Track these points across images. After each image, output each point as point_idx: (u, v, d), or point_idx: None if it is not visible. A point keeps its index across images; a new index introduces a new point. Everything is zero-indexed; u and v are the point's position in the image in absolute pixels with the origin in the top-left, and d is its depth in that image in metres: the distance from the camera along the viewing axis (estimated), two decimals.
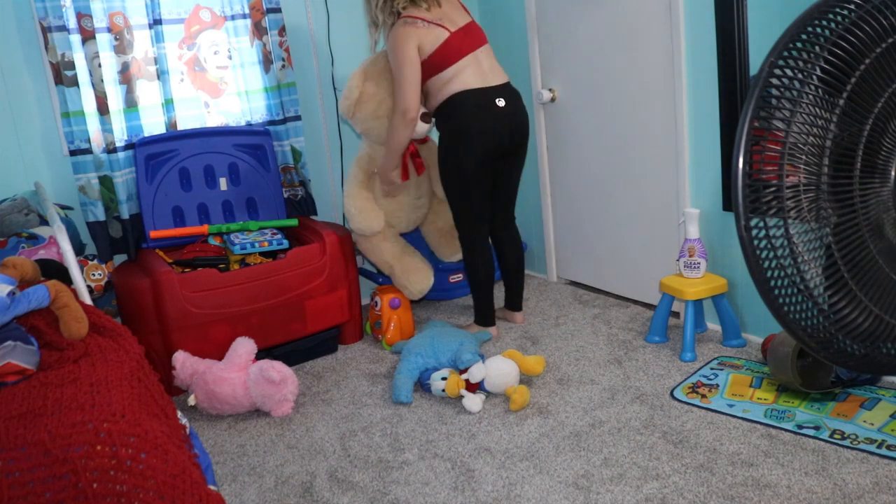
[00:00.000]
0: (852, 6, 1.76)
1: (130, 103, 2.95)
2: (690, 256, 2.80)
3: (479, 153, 2.83)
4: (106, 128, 2.87)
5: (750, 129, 1.85)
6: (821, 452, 2.07)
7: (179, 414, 1.88)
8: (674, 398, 2.46)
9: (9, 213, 2.54)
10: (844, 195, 1.81)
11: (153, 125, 3.06)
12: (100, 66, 2.83)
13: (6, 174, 2.82)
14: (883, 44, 1.73)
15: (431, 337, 2.81)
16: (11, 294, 1.89)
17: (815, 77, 1.80)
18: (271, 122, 3.27)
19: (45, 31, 2.71)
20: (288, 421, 2.58)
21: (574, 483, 2.06)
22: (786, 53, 1.81)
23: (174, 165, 3.00)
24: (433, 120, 2.98)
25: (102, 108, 2.86)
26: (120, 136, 2.95)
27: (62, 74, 2.75)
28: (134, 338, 2.01)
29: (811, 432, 2.16)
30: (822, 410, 2.28)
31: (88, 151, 2.85)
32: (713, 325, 2.98)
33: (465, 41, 2.85)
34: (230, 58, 3.21)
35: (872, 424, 2.17)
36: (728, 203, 2.78)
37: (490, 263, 3.04)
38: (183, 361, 2.63)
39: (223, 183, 3.11)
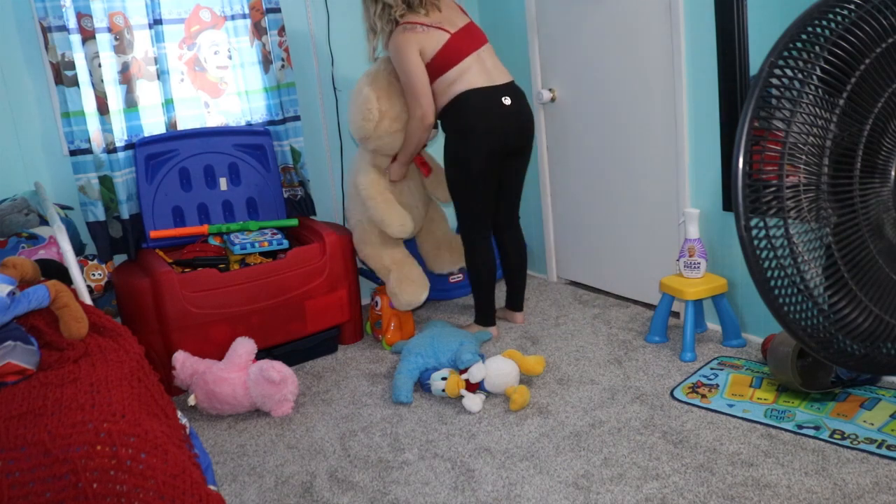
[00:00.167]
0: (852, 6, 1.76)
1: (130, 103, 2.95)
2: (690, 256, 2.80)
3: (486, 152, 2.83)
4: (106, 128, 2.87)
5: (750, 129, 1.85)
6: (821, 452, 2.07)
7: (179, 414, 1.88)
8: (674, 398, 2.46)
9: (9, 213, 2.54)
10: (844, 195, 1.81)
11: (153, 125, 3.06)
12: (100, 66, 2.83)
13: (6, 174, 2.82)
14: (883, 44, 1.73)
15: (431, 337, 2.81)
16: (11, 294, 1.89)
17: (815, 77, 1.80)
18: (271, 123, 3.27)
19: (45, 31, 2.71)
20: (288, 421, 2.58)
21: (574, 483, 2.06)
22: (786, 53, 1.81)
23: (174, 165, 3.00)
24: (437, 128, 3.00)
25: (102, 108, 2.86)
26: (120, 136, 2.95)
27: (62, 74, 2.75)
28: (134, 338, 2.01)
29: (811, 432, 2.16)
30: (822, 410, 2.28)
31: (88, 151, 2.85)
32: (713, 325, 2.98)
33: (465, 41, 2.85)
34: (230, 58, 3.21)
35: (872, 424, 2.17)
36: (728, 203, 2.78)
37: (492, 263, 3.04)
38: (183, 361, 2.63)
39: (223, 183, 3.11)
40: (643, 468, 2.09)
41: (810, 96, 1.81)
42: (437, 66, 2.82)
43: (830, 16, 1.78)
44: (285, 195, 3.32)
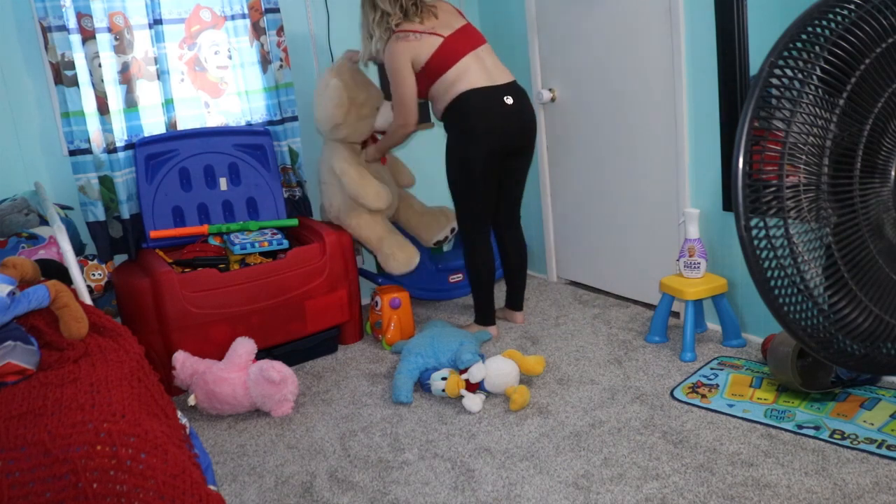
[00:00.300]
0: (852, 6, 1.76)
1: (130, 103, 2.95)
2: (690, 256, 2.80)
3: (487, 152, 2.83)
4: (106, 128, 2.87)
5: (750, 129, 1.85)
6: (821, 452, 2.07)
7: (179, 414, 1.88)
8: (674, 398, 2.46)
9: (9, 213, 2.54)
10: (844, 195, 1.81)
11: (153, 125, 3.06)
12: (100, 66, 2.83)
13: (6, 174, 2.82)
14: (883, 44, 1.73)
15: (431, 337, 2.81)
16: (11, 294, 1.89)
17: (815, 77, 1.80)
18: (270, 123, 3.27)
19: (45, 31, 2.71)
20: (288, 421, 2.58)
21: (574, 483, 2.06)
22: (786, 53, 1.81)
23: (174, 165, 3.00)
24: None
25: (102, 108, 2.86)
26: (120, 136, 2.95)
27: (62, 74, 2.75)
28: (134, 338, 2.01)
29: (811, 432, 2.16)
30: (822, 410, 2.28)
31: (88, 151, 2.85)
32: (713, 325, 2.98)
33: (461, 42, 2.85)
34: (230, 58, 3.21)
35: (872, 424, 2.17)
36: (728, 203, 2.78)
37: (491, 263, 3.04)
38: (183, 361, 2.63)
39: (223, 183, 3.11)
40: (643, 468, 2.09)
41: (810, 96, 1.81)
42: (433, 69, 2.83)
43: (830, 16, 1.78)
44: (285, 195, 3.32)
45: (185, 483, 1.55)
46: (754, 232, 1.89)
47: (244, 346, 2.66)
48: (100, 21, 2.85)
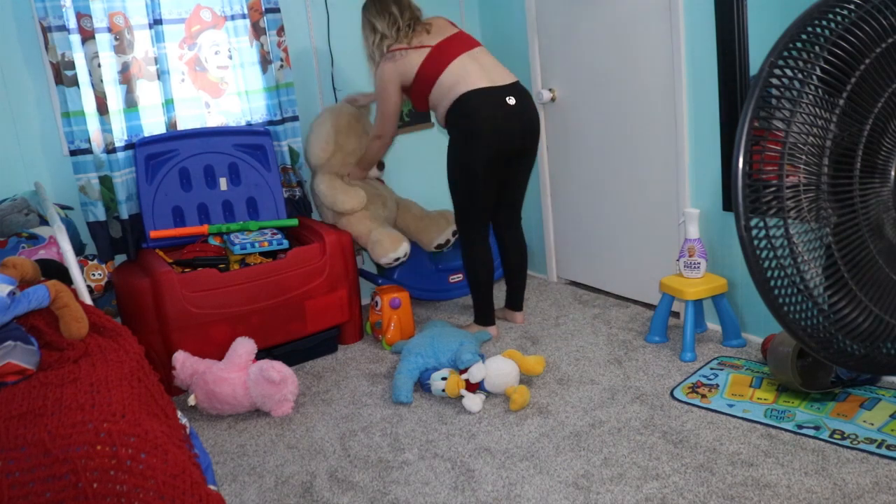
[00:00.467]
0: (852, 6, 1.76)
1: (130, 103, 2.95)
2: (690, 256, 2.80)
3: (490, 154, 2.83)
4: (106, 128, 2.87)
5: (750, 129, 1.85)
6: (821, 452, 2.07)
7: (179, 414, 1.88)
8: (674, 398, 2.46)
9: (9, 213, 2.54)
10: (844, 195, 1.81)
11: (153, 125, 3.06)
12: (99, 66, 2.83)
13: (6, 174, 2.82)
14: (883, 44, 1.73)
15: (431, 337, 2.81)
16: (11, 294, 1.89)
17: (815, 77, 1.80)
18: (270, 123, 3.27)
19: (45, 31, 2.71)
20: (288, 421, 2.58)
21: (574, 483, 2.06)
22: (786, 53, 1.81)
23: (174, 165, 3.00)
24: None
25: (102, 108, 2.85)
26: (120, 136, 2.95)
27: (62, 74, 2.75)
28: (134, 338, 2.01)
29: (811, 432, 2.16)
30: (822, 410, 2.28)
31: (88, 151, 2.84)
32: (713, 325, 2.98)
33: (451, 46, 2.88)
34: (230, 58, 3.21)
35: (872, 424, 2.17)
36: (728, 203, 2.78)
37: (490, 263, 3.04)
38: (183, 361, 2.63)
39: (223, 183, 3.10)
40: (643, 468, 2.09)
41: (810, 96, 1.81)
42: (426, 76, 2.86)
43: (830, 16, 1.78)
44: (285, 195, 3.32)
45: (185, 483, 1.55)
46: (754, 232, 1.89)
47: (244, 346, 2.66)
48: (100, 21, 2.84)
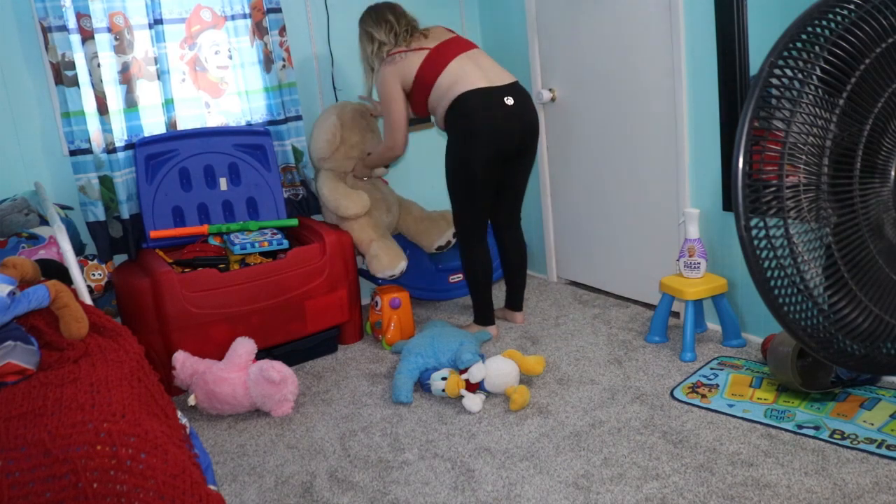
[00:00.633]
0: (852, 6, 1.76)
1: (130, 103, 2.95)
2: (690, 256, 2.80)
3: (489, 154, 2.83)
4: (106, 128, 2.87)
5: (750, 129, 1.85)
6: (821, 452, 2.07)
7: (179, 414, 1.88)
8: (674, 398, 2.46)
9: (9, 213, 2.54)
10: (844, 195, 1.81)
11: (153, 125, 3.06)
12: (99, 66, 2.83)
13: (6, 174, 2.82)
14: (883, 44, 1.73)
15: (431, 337, 2.81)
16: (11, 294, 1.89)
17: (815, 77, 1.80)
18: (272, 122, 3.27)
19: (45, 31, 2.71)
20: (288, 421, 2.58)
21: (574, 483, 2.06)
22: (786, 53, 1.81)
23: (174, 165, 3.00)
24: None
25: (102, 108, 2.86)
26: (120, 136, 2.95)
27: (62, 74, 2.75)
28: (134, 338, 2.01)
29: (811, 432, 2.17)
30: (822, 410, 2.28)
31: (88, 151, 2.85)
32: (713, 325, 2.98)
33: (449, 48, 2.89)
34: (230, 58, 3.21)
35: (872, 424, 2.17)
36: (728, 203, 2.78)
37: (488, 264, 3.04)
38: (183, 361, 2.63)
39: (223, 183, 3.11)
40: (643, 468, 2.09)
41: (810, 96, 1.81)
42: (424, 78, 2.86)
43: (830, 16, 1.78)
44: (287, 195, 3.33)
45: (185, 483, 1.55)
46: (754, 232, 1.89)
47: (244, 346, 2.66)
48: (100, 21, 2.85)
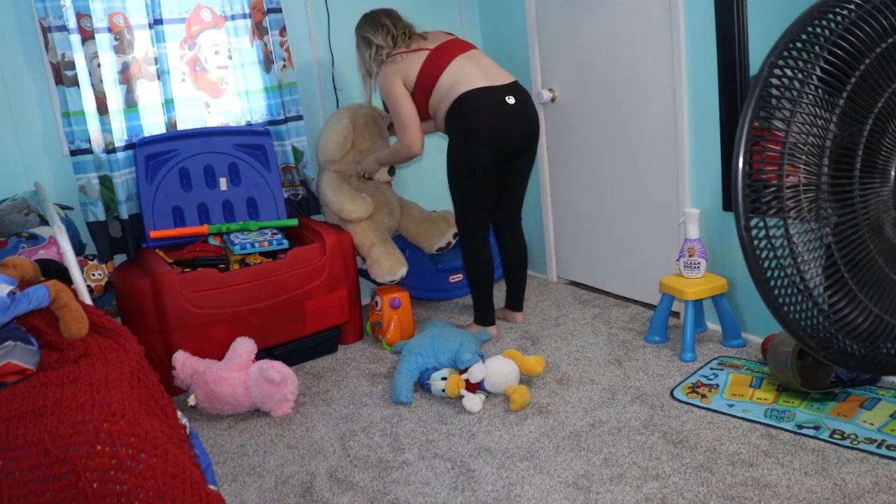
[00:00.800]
0: (852, 6, 1.76)
1: (130, 103, 2.95)
2: (690, 256, 2.80)
3: (490, 154, 2.83)
4: (106, 128, 2.87)
5: (750, 129, 1.85)
6: (821, 452, 2.07)
7: (179, 414, 1.88)
8: (674, 398, 2.46)
9: (9, 213, 2.54)
10: (844, 195, 1.81)
11: (153, 125, 3.06)
12: (99, 66, 2.83)
13: (6, 174, 2.82)
14: (883, 44, 1.73)
15: (431, 337, 2.81)
16: (11, 294, 1.89)
17: (815, 77, 1.80)
18: (272, 122, 3.27)
19: (45, 31, 2.71)
20: (288, 421, 2.58)
21: (574, 483, 2.06)
22: (786, 53, 1.81)
23: (174, 165, 3.00)
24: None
25: (102, 108, 2.86)
26: (120, 136, 2.95)
27: (62, 74, 2.76)
28: (134, 338, 2.01)
29: (811, 432, 2.17)
30: (822, 410, 2.28)
31: (88, 151, 2.85)
32: (713, 325, 2.98)
33: (448, 49, 2.89)
34: (230, 58, 3.21)
35: (872, 424, 2.17)
36: (728, 203, 2.78)
37: (490, 264, 3.04)
38: (183, 361, 2.63)
39: (223, 183, 3.11)
40: (643, 468, 2.09)
41: (810, 96, 1.81)
42: (425, 80, 2.86)
43: (830, 16, 1.78)
44: (287, 195, 3.33)
45: (185, 483, 1.55)
46: (754, 232, 1.89)
47: (244, 346, 2.66)
48: (100, 21, 2.85)
